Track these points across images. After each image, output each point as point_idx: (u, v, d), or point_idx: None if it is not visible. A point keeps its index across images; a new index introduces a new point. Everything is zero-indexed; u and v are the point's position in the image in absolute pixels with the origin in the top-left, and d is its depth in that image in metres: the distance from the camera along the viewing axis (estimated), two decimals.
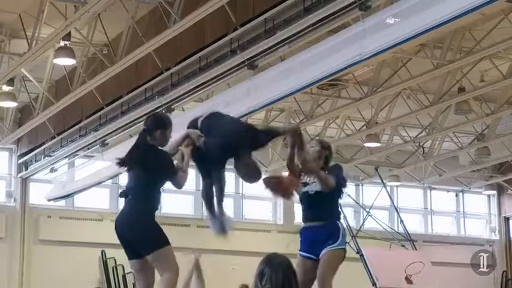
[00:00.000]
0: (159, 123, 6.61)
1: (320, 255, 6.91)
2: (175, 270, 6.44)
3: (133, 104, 14.96)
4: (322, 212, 7.02)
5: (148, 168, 6.48)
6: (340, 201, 7.26)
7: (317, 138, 7.66)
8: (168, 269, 6.39)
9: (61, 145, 17.53)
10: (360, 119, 18.80)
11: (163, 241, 6.45)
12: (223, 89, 14.11)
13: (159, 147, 6.55)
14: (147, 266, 6.47)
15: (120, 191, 6.74)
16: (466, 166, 22.17)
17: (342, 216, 7.25)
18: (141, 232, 6.42)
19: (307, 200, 7.04)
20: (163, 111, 14.30)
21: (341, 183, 7.07)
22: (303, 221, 7.14)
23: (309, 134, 19.86)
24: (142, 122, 6.72)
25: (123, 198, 6.61)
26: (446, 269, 19.80)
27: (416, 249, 14.57)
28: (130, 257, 6.59)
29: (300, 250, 7.10)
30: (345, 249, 7.00)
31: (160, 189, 6.56)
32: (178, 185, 6.56)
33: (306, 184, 7.04)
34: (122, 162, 6.67)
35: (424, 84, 16.61)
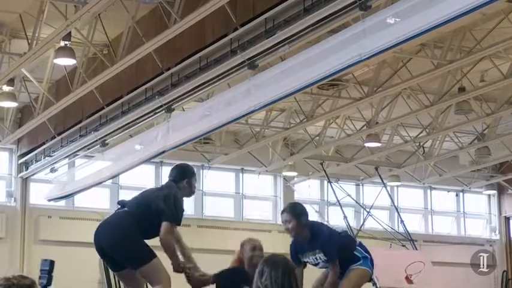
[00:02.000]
0: (185, 173, 6.73)
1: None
2: (166, 280, 6.37)
3: (133, 104, 14.96)
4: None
5: (161, 209, 6.44)
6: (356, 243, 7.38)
7: (286, 210, 7.35)
8: (159, 281, 6.32)
9: (61, 145, 17.52)
10: (360, 119, 18.80)
11: (149, 254, 6.38)
12: (224, 89, 14.11)
13: (178, 195, 6.54)
14: (130, 274, 6.46)
15: (120, 200, 6.72)
16: (466, 166, 22.17)
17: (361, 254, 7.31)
18: (124, 250, 6.35)
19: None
20: (164, 111, 14.34)
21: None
22: None
23: (309, 134, 19.91)
24: (168, 174, 6.79)
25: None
26: (447, 268, 19.83)
27: (416, 249, 14.60)
28: (112, 269, 6.58)
29: None
30: (368, 270, 7.07)
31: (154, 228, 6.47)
32: (160, 234, 6.39)
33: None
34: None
35: (425, 84, 16.60)
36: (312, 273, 7.54)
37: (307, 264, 7.15)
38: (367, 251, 7.20)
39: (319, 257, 7.00)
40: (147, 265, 6.30)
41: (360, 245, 7.28)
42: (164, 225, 6.32)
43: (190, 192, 6.71)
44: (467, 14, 9.31)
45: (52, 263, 11.09)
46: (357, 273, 7.03)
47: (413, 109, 17.55)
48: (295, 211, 7.08)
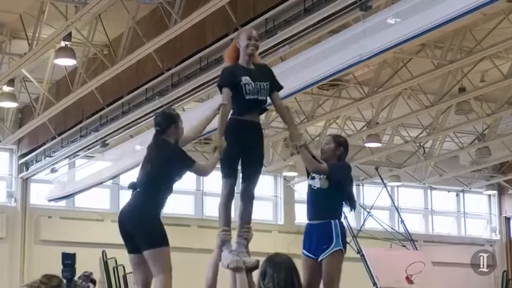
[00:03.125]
0: (169, 119, 6.69)
1: (319, 260, 6.92)
2: (169, 271, 6.44)
3: (133, 104, 14.97)
4: (319, 210, 7.00)
5: (163, 163, 6.54)
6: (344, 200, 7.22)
7: (331, 134, 7.73)
8: (162, 271, 6.39)
9: (62, 145, 17.53)
10: (361, 119, 18.81)
11: (164, 241, 6.46)
12: None
13: (171, 142, 6.62)
14: (145, 261, 6.48)
15: (130, 182, 6.75)
16: (467, 166, 22.18)
17: (342, 216, 7.19)
18: (143, 227, 6.42)
19: (309, 195, 7.05)
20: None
21: (339, 180, 7.02)
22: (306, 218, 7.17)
23: (310, 135, 19.90)
24: (153, 122, 6.79)
25: (128, 194, 6.63)
26: (447, 269, 19.80)
27: (416, 249, 14.60)
28: (130, 251, 6.61)
29: (302, 248, 7.13)
30: (341, 249, 6.95)
31: (171, 187, 6.62)
32: (202, 173, 6.99)
33: (313, 178, 7.05)
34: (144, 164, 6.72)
35: (425, 85, 16.60)
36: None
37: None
38: (342, 227, 7.11)
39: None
40: (157, 249, 6.38)
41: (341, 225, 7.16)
42: (194, 172, 6.84)
43: (179, 134, 6.76)
44: (468, 14, 9.32)
45: (74, 255, 11.04)
46: (334, 261, 6.92)
47: (414, 109, 17.56)
48: (338, 139, 7.28)
